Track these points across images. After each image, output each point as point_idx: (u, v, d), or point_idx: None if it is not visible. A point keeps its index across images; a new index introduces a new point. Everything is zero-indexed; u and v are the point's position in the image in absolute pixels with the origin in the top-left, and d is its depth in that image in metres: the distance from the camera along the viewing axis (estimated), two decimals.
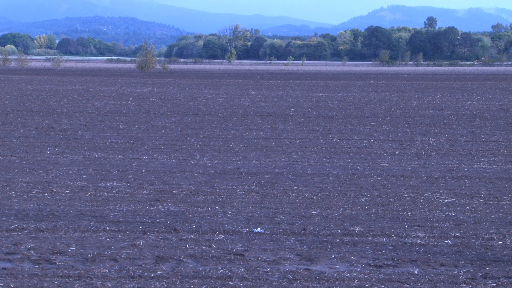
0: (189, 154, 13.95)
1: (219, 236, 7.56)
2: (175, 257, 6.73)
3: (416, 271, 6.40)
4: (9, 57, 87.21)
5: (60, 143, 15.37)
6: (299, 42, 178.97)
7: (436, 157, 13.91)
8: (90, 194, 9.77)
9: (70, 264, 6.51)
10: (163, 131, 17.93)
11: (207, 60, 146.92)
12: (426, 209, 9.09)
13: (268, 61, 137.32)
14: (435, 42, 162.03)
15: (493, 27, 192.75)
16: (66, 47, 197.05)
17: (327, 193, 10.06)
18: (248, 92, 34.69)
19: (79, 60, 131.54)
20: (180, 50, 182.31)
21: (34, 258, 6.67)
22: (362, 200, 9.62)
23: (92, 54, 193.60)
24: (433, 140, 16.61)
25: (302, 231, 7.81)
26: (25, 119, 20.20)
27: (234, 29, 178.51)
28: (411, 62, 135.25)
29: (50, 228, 7.80)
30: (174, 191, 10.02)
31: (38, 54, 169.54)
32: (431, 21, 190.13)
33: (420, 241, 7.44)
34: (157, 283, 6.00)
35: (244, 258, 6.75)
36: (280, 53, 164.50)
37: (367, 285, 6.02)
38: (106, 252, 6.86)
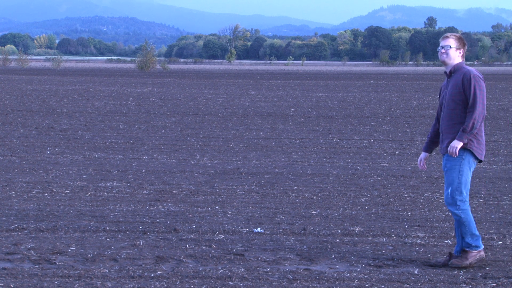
0: (189, 154, 13.95)
1: (219, 236, 7.56)
2: (175, 257, 6.73)
3: (416, 271, 6.40)
4: (9, 57, 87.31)
5: (60, 143, 15.37)
6: (299, 42, 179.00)
7: (436, 157, 13.91)
8: (90, 194, 9.77)
9: (70, 264, 6.51)
10: (163, 131, 17.93)
11: (207, 60, 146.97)
12: (426, 209, 9.09)
13: (268, 61, 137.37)
14: (435, 42, 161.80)
15: (493, 27, 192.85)
16: (66, 47, 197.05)
17: (327, 193, 10.06)
18: (248, 92, 34.70)
19: (79, 60, 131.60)
20: (180, 50, 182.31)
21: (34, 258, 6.67)
22: (362, 200, 9.62)
23: (92, 54, 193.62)
24: None
25: (302, 231, 7.80)
26: (25, 119, 20.20)
27: (234, 29, 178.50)
28: (411, 62, 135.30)
29: (50, 228, 7.80)
30: (174, 191, 10.02)
31: (38, 54, 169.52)
32: (431, 21, 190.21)
33: (420, 241, 7.44)
34: (157, 283, 6.00)
35: (244, 258, 6.75)
36: (280, 53, 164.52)
37: (367, 285, 6.02)
38: (106, 252, 6.86)
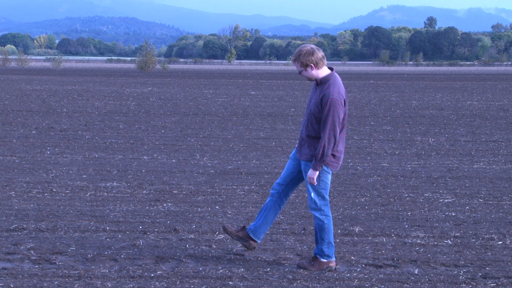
0: (189, 154, 13.95)
1: (219, 236, 7.56)
2: (175, 257, 6.73)
3: (416, 271, 6.41)
4: (9, 57, 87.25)
5: (60, 143, 15.37)
6: (299, 42, 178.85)
7: (436, 157, 13.92)
8: (90, 194, 9.77)
9: (70, 264, 6.51)
10: (163, 131, 17.93)
11: (207, 60, 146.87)
12: (426, 209, 9.09)
13: (268, 61, 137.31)
14: (435, 42, 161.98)
15: (493, 27, 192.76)
16: (66, 47, 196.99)
17: None
18: (248, 92, 34.70)
19: (79, 60, 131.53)
20: (180, 50, 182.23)
21: (34, 258, 6.67)
22: (362, 200, 9.62)
23: (92, 54, 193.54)
24: (433, 140, 16.61)
25: (302, 231, 7.81)
26: (25, 119, 20.20)
27: (234, 29, 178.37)
28: (411, 62, 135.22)
29: (50, 228, 7.80)
30: (174, 191, 10.02)
31: (38, 54, 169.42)
32: (431, 21, 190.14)
33: (420, 241, 7.44)
34: (157, 283, 6.01)
35: (244, 258, 6.76)
36: (280, 53, 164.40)
37: (367, 285, 6.02)
38: (106, 252, 6.86)
